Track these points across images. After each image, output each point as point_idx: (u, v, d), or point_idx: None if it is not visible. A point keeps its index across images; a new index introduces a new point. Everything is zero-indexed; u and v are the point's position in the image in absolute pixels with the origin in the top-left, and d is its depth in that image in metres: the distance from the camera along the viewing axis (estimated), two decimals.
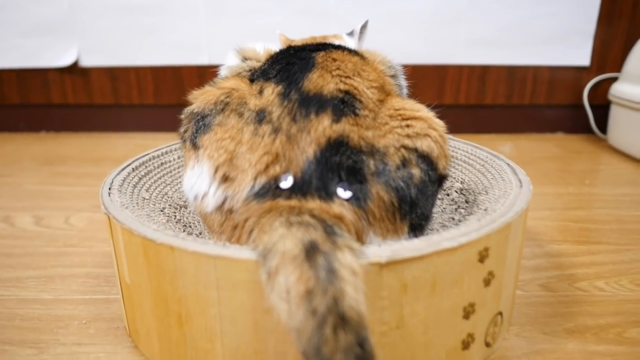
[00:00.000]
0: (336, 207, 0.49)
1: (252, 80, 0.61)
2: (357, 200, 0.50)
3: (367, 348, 0.37)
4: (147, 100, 1.63)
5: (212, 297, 0.48)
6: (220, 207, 0.54)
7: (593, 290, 0.73)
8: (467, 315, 0.52)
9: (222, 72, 0.73)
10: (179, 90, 1.61)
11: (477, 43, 1.54)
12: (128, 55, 1.57)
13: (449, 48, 1.55)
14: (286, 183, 0.50)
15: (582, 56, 1.54)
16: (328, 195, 0.49)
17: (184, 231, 0.64)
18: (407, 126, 0.56)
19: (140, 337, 0.59)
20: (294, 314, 0.38)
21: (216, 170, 0.54)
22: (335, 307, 0.38)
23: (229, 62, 0.73)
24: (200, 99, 0.60)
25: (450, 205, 0.73)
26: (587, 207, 1.06)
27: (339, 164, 0.50)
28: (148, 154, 0.78)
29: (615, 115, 1.48)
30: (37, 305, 0.70)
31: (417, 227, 0.58)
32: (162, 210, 0.68)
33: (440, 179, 0.59)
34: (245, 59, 0.72)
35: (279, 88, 0.55)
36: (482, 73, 1.57)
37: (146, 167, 0.76)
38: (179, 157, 0.82)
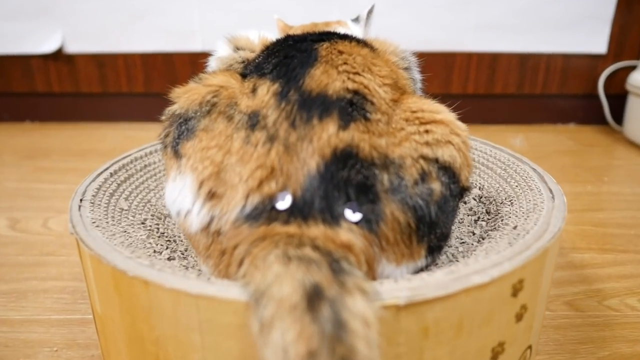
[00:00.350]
0: (344, 234, 0.41)
1: (244, 76, 0.52)
2: (369, 222, 0.42)
3: None
4: (137, 88, 1.53)
5: (194, 341, 0.40)
6: (206, 228, 0.46)
7: (625, 309, 0.66)
8: (495, 356, 0.45)
9: (212, 63, 0.64)
10: (170, 78, 1.51)
11: (488, 28, 1.44)
12: (116, 41, 1.48)
13: (457, 34, 1.45)
14: (283, 203, 0.42)
15: (598, 43, 1.45)
16: (334, 218, 0.41)
17: (167, 248, 0.56)
18: (426, 132, 0.47)
19: None
20: None
21: (200, 185, 0.46)
22: None
23: (219, 52, 0.64)
24: (183, 98, 0.51)
25: (468, 215, 0.65)
26: (608, 208, 0.98)
27: (347, 180, 0.42)
28: (129, 155, 0.70)
29: (633, 106, 1.39)
30: (4, 327, 0.63)
31: (436, 249, 0.50)
32: (142, 223, 0.60)
33: (462, 191, 0.51)
34: (237, 48, 0.63)
35: (276, 86, 0.47)
36: (491, 61, 1.48)
37: (126, 170, 0.67)
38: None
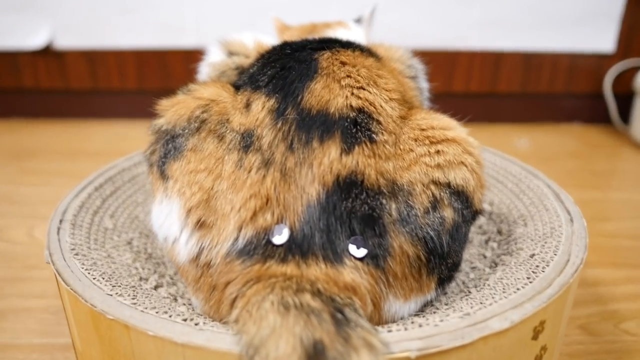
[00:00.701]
0: (347, 274, 0.37)
1: (237, 88, 0.47)
2: (375, 258, 0.38)
3: None
4: (129, 84, 1.48)
5: None
6: (195, 260, 0.42)
7: None
8: None
9: (203, 69, 0.59)
10: (163, 74, 1.46)
11: (492, 25, 1.39)
12: (107, 35, 1.42)
13: (461, 30, 1.40)
14: (280, 238, 0.38)
15: (605, 41, 1.40)
16: (336, 255, 0.37)
17: (154, 272, 0.52)
18: (437, 153, 0.43)
19: None
20: None
21: (188, 213, 0.41)
22: None
23: (211, 57, 0.60)
24: (170, 111, 0.47)
25: (478, 234, 0.61)
26: (618, 217, 0.94)
27: (351, 212, 0.38)
28: (116, 166, 0.65)
29: None
30: None
31: (447, 279, 0.46)
32: (129, 243, 0.56)
33: (475, 214, 0.47)
34: (231, 53, 0.58)
35: (271, 102, 0.42)
36: (496, 58, 1.43)
37: (113, 183, 0.63)
38: None
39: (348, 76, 0.44)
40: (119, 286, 0.41)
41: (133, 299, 0.39)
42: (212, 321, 0.38)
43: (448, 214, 0.42)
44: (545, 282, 0.40)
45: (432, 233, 0.41)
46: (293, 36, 0.64)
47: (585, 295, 0.69)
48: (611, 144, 1.36)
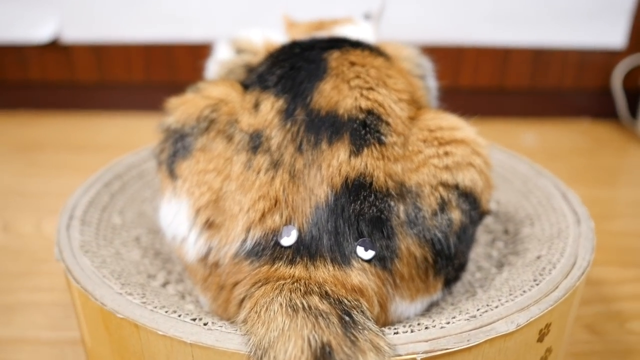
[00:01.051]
0: (355, 277, 0.37)
1: (246, 87, 0.47)
2: (382, 260, 0.38)
3: None
4: (136, 77, 1.48)
5: None
6: (203, 259, 0.42)
7: None
8: None
9: (211, 67, 0.59)
10: (170, 67, 1.46)
11: (500, 20, 1.38)
12: (114, 28, 1.42)
13: (468, 25, 1.39)
14: (289, 239, 0.38)
15: (615, 36, 1.39)
16: (344, 258, 0.37)
17: (162, 269, 0.52)
18: (446, 154, 0.43)
19: None
20: None
21: (197, 213, 0.41)
22: None
23: (219, 54, 0.60)
24: (179, 110, 0.47)
25: (484, 233, 0.61)
26: (626, 215, 0.94)
27: (360, 214, 0.38)
28: (123, 161, 0.66)
29: None
30: None
31: (453, 280, 0.46)
32: (137, 240, 0.56)
33: (482, 215, 0.47)
34: (239, 50, 0.58)
35: (280, 103, 0.42)
36: (504, 53, 1.42)
37: (121, 179, 0.63)
38: None
39: (357, 77, 0.44)
40: (129, 284, 0.42)
41: (142, 297, 0.40)
42: (220, 320, 0.39)
43: (456, 215, 0.42)
44: (551, 285, 0.40)
45: (439, 235, 0.41)
46: (301, 32, 0.64)
47: (591, 294, 0.69)
48: (619, 139, 1.35)
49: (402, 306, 0.41)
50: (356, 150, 0.39)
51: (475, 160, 0.45)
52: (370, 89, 0.43)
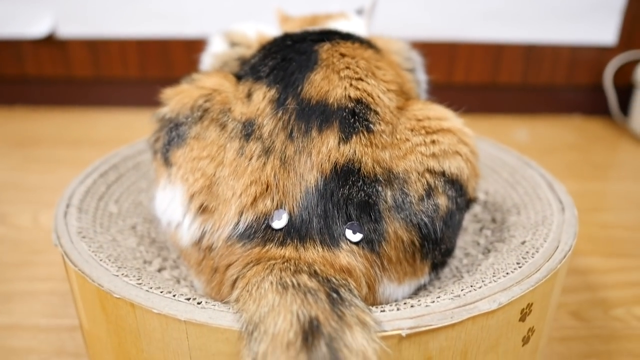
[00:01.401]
0: (343, 258, 0.38)
1: (239, 78, 0.49)
2: (370, 243, 0.40)
3: None
4: (132, 73, 1.49)
5: None
6: (197, 243, 0.43)
7: (631, 320, 0.64)
8: None
9: (206, 60, 0.61)
10: (166, 63, 1.47)
11: (493, 17, 1.39)
12: (110, 24, 1.42)
13: (461, 22, 1.40)
14: (279, 222, 0.39)
15: (607, 33, 1.40)
16: (333, 240, 0.39)
17: (158, 256, 0.54)
18: (433, 142, 0.45)
19: None
20: None
21: (191, 199, 0.43)
22: None
23: (213, 47, 0.61)
24: (174, 100, 0.48)
25: (472, 222, 0.62)
26: (615, 208, 0.96)
27: (348, 199, 0.39)
28: (119, 153, 0.67)
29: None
30: None
31: (440, 265, 0.48)
32: (133, 228, 0.58)
33: (469, 203, 0.49)
34: (233, 44, 0.60)
35: (272, 92, 0.44)
36: (497, 50, 1.44)
37: (117, 170, 0.65)
38: None
39: (347, 67, 0.45)
40: (125, 267, 0.43)
41: (138, 279, 0.41)
42: (214, 301, 0.40)
43: (442, 201, 0.44)
44: (533, 267, 0.42)
45: (426, 220, 0.42)
46: (294, 27, 0.65)
47: (577, 283, 0.71)
48: (610, 136, 1.37)
49: (390, 288, 0.43)
50: (345, 138, 0.41)
51: (461, 149, 0.46)
52: (360, 79, 0.45)
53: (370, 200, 0.40)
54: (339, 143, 0.40)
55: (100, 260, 0.43)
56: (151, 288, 0.39)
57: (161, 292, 0.39)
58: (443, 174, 0.44)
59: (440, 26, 1.41)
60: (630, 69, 1.43)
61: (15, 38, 1.43)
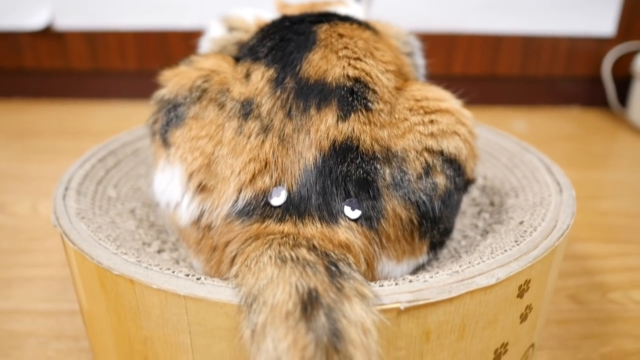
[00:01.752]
0: (342, 233, 0.38)
1: (237, 59, 0.49)
2: (369, 220, 0.40)
3: None
4: (130, 65, 1.49)
5: (184, 343, 0.38)
6: (196, 222, 0.43)
7: (629, 303, 0.64)
8: (498, 357, 0.43)
9: (204, 45, 0.61)
10: (164, 55, 1.47)
11: (492, 8, 1.39)
12: (107, 15, 1.42)
13: (460, 13, 1.40)
14: (278, 199, 0.39)
15: (605, 24, 1.40)
16: (331, 216, 0.39)
17: (157, 238, 0.54)
18: (431, 122, 0.45)
19: None
20: None
21: (190, 177, 0.43)
22: None
23: (211, 32, 0.61)
24: (172, 82, 0.48)
25: (471, 206, 0.62)
26: (612, 196, 0.96)
27: (347, 176, 0.40)
28: (117, 140, 0.67)
29: (639, 90, 1.36)
30: None
31: (438, 244, 0.48)
32: (132, 212, 0.58)
33: (467, 184, 0.49)
34: (231, 28, 0.60)
35: (271, 72, 0.44)
36: (495, 41, 1.44)
37: (115, 155, 0.65)
38: None
39: (345, 47, 0.45)
40: (124, 247, 0.43)
41: (137, 258, 0.41)
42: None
43: (440, 180, 0.44)
44: (531, 245, 0.42)
45: (424, 198, 0.43)
46: (293, 13, 0.65)
47: (575, 268, 0.71)
48: (608, 127, 1.37)
49: (389, 267, 0.43)
50: (343, 116, 0.41)
51: (459, 129, 0.46)
52: (358, 59, 0.45)
53: (369, 177, 0.40)
54: (337, 121, 0.41)
55: (100, 239, 0.43)
56: (150, 265, 0.39)
57: (160, 269, 0.39)
58: (441, 153, 0.44)
59: (439, 17, 1.41)
60: (629, 60, 1.43)
61: (13, 30, 1.43)
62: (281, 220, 0.39)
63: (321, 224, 0.38)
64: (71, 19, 1.43)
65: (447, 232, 0.48)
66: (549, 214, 0.48)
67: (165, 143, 0.46)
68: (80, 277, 0.44)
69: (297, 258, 0.34)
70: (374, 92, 0.43)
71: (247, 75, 0.45)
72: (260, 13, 0.62)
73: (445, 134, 0.45)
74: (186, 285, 0.36)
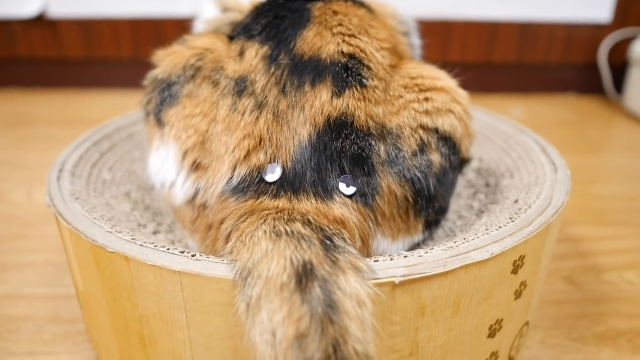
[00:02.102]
0: (337, 209, 0.38)
1: (231, 38, 0.48)
2: (363, 196, 0.40)
3: None
4: (124, 53, 1.48)
5: (179, 319, 0.38)
6: (191, 201, 0.43)
7: (622, 283, 0.65)
8: (492, 333, 0.43)
9: (198, 26, 0.60)
10: (158, 43, 1.45)
11: None
12: (101, 3, 1.41)
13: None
14: (273, 175, 0.39)
15: (601, 11, 1.40)
16: (326, 192, 0.39)
17: (152, 221, 0.54)
18: (426, 100, 0.45)
19: (100, 350, 0.49)
20: None
21: (184, 156, 0.43)
22: (335, 354, 0.29)
23: (205, 13, 0.60)
24: (166, 61, 0.48)
25: (466, 188, 0.62)
26: (607, 180, 0.96)
27: (341, 152, 0.39)
28: (111, 124, 0.67)
29: (634, 76, 1.36)
30: None
31: (433, 223, 0.48)
32: (127, 194, 0.57)
33: (462, 163, 0.49)
34: (225, 9, 0.59)
35: (265, 49, 0.44)
36: (492, 28, 1.43)
37: (110, 140, 0.64)
38: None
39: (340, 24, 0.45)
40: (119, 226, 0.43)
41: (132, 236, 0.41)
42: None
43: (435, 157, 0.44)
44: (526, 221, 0.42)
45: (419, 175, 0.43)
46: None
47: (571, 250, 0.72)
48: (604, 113, 1.37)
49: (384, 244, 0.43)
50: (338, 92, 0.41)
51: (455, 108, 0.46)
52: (352, 35, 0.44)
53: (364, 153, 0.40)
54: (331, 97, 0.40)
55: (94, 219, 0.43)
56: (145, 242, 0.39)
57: (155, 246, 0.39)
58: (436, 130, 0.44)
59: (435, 4, 1.40)
60: (625, 46, 1.43)
61: (6, 18, 1.41)
62: (276, 196, 0.39)
63: (316, 200, 0.38)
64: (65, 7, 1.42)
65: (442, 211, 0.48)
66: (543, 192, 0.48)
67: (159, 122, 0.46)
68: (75, 257, 0.44)
69: (292, 232, 0.34)
70: (369, 68, 0.43)
71: (241, 53, 0.45)
72: None
73: (440, 111, 0.45)
74: (181, 262, 0.36)
